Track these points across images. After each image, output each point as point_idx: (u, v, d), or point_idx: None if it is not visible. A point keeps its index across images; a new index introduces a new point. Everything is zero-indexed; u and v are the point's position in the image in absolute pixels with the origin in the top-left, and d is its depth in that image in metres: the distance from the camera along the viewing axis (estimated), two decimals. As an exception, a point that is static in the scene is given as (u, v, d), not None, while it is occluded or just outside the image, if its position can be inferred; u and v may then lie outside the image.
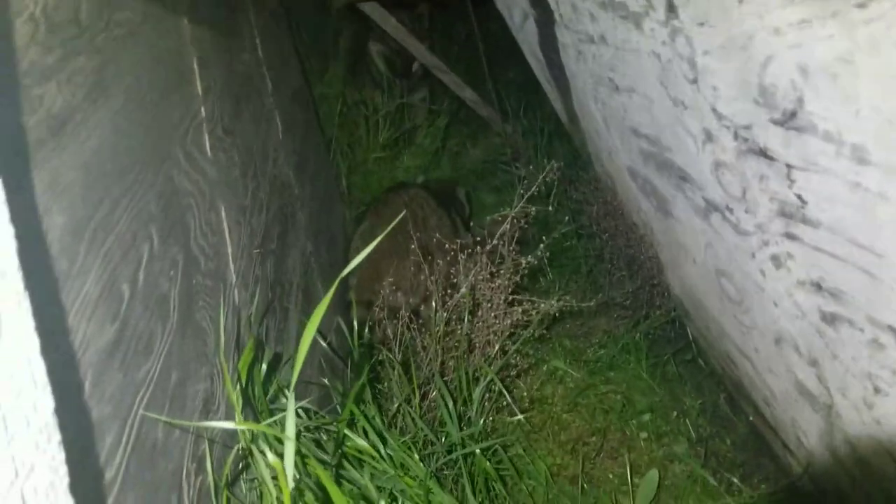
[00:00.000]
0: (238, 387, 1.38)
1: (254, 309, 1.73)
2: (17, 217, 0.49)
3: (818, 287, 1.57)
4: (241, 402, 1.36)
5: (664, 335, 3.08)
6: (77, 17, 1.12)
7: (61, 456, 0.52)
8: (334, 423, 1.75)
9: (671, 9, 1.72)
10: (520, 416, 2.36)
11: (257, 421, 1.55)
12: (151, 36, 1.42)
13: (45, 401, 0.52)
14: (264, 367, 1.64)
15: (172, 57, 1.53)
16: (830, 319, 1.57)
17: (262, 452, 1.24)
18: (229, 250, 1.60)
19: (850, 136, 1.27)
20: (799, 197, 1.50)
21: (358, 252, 3.00)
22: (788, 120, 1.43)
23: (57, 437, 0.52)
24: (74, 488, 0.53)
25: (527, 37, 3.29)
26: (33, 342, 0.51)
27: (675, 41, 1.77)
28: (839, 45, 1.21)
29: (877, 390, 1.51)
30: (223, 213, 1.60)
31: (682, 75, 1.82)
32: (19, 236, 0.49)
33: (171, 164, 1.37)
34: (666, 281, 2.99)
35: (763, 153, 1.57)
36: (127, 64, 1.27)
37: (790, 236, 1.61)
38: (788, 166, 1.50)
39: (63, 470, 0.52)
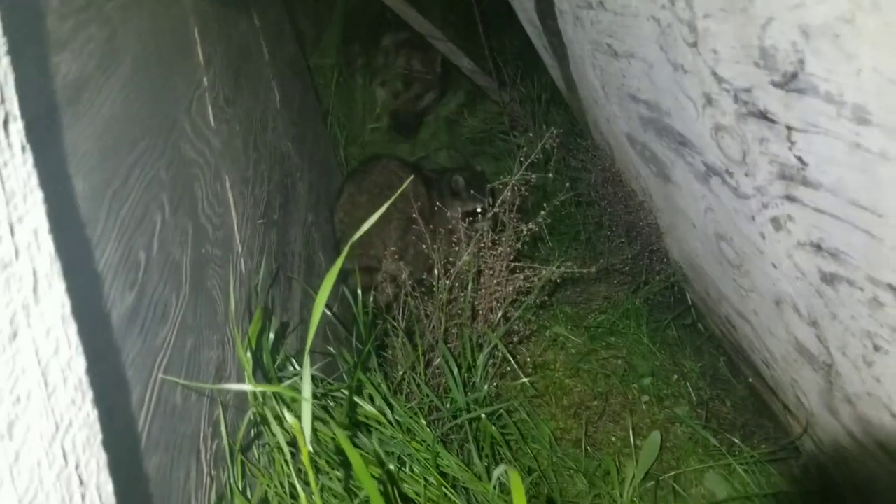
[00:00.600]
0: (249, 353, 1.40)
1: (260, 278, 1.75)
2: (45, 182, 0.50)
3: (818, 248, 1.59)
4: (251, 367, 1.38)
5: (664, 300, 3.11)
6: None
7: (95, 413, 0.54)
8: (342, 391, 1.78)
9: (671, -28, 1.72)
10: (525, 380, 2.40)
11: (267, 388, 1.57)
12: (154, 6, 1.42)
13: (79, 360, 0.53)
14: (272, 335, 1.66)
15: (174, 27, 1.53)
16: (830, 279, 1.59)
17: (278, 417, 1.26)
18: (234, 221, 1.61)
19: (850, 96, 1.28)
20: (799, 159, 1.51)
21: (343, 224, 3.05)
22: (789, 82, 1.43)
23: (90, 394, 0.54)
24: (107, 444, 0.55)
25: (523, 4, 3.27)
26: (66, 302, 0.52)
27: (675, 5, 1.77)
28: (840, 5, 1.22)
29: (876, 348, 1.54)
30: (228, 184, 1.61)
31: (681, 39, 1.82)
32: (48, 201, 0.50)
33: (178, 134, 1.38)
34: (665, 246, 3.01)
35: (763, 116, 1.58)
36: (133, 33, 1.28)
37: (790, 198, 1.62)
38: (789, 128, 1.50)
39: (97, 426, 0.54)
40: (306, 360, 0.90)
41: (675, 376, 2.74)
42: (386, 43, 4.51)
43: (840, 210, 1.45)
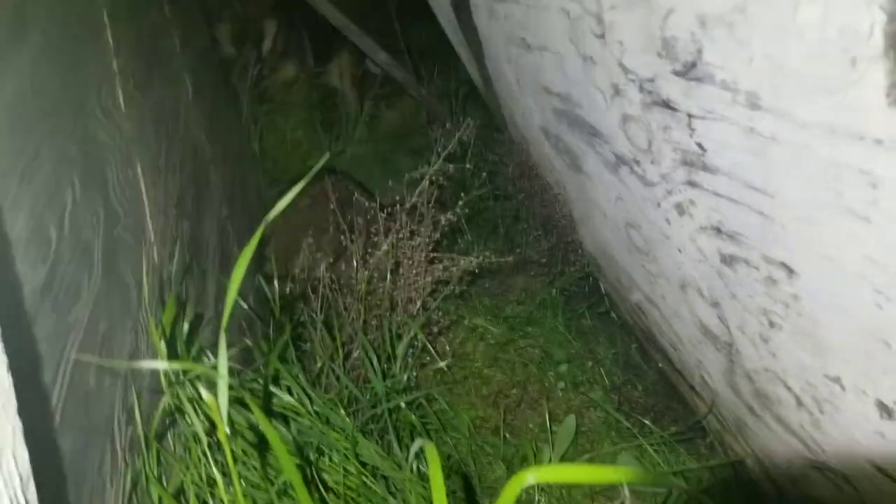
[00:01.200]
0: (162, 340, 1.37)
1: (174, 268, 1.71)
2: None
3: (718, 231, 1.67)
4: (166, 353, 1.35)
5: (579, 290, 3.19)
6: None
7: (9, 380, 0.53)
8: (258, 380, 1.76)
9: (578, -35, 1.77)
10: (442, 364, 2.42)
11: (182, 378, 1.54)
12: None
13: None
14: (186, 326, 1.63)
15: (84, 8, 1.49)
16: (729, 261, 1.67)
17: (193, 400, 1.24)
18: (147, 209, 1.58)
19: (744, 83, 1.35)
20: (699, 145, 1.58)
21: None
22: (689, 70, 1.50)
23: (4, 360, 0.52)
24: (21, 414, 0.54)
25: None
26: None
27: (583, -3, 1.83)
28: (733, -4, 1.29)
29: (771, 324, 1.63)
30: (139, 171, 1.57)
31: (590, 31, 1.88)
32: None
33: (88, 115, 1.34)
34: (579, 238, 3.09)
35: (666, 104, 1.65)
36: (42, 7, 1.24)
37: (692, 184, 1.70)
38: (689, 116, 1.58)
39: (12, 393, 0.53)
40: (222, 335, 0.89)
41: (590, 363, 2.82)
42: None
43: (736, 193, 1.53)
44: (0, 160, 0.94)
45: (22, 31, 1.12)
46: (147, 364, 1.27)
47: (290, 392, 1.88)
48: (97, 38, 1.54)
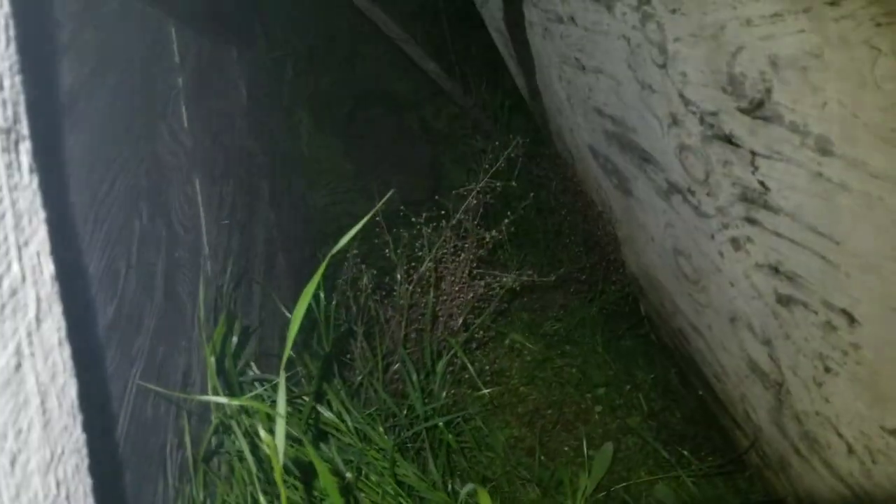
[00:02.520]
0: (214, 359, 1.38)
1: (226, 280, 1.72)
2: (46, 201, 0.48)
3: (775, 270, 1.64)
4: (216, 370, 1.36)
5: (619, 310, 3.16)
6: None
7: (83, 438, 0.53)
8: (303, 397, 1.77)
9: (644, -7, 1.75)
10: (484, 391, 2.41)
11: (230, 394, 1.55)
12: (141, 7, 1.39)
13: (72, 384, 0.52)
14: (235, 339, 1.64)
15: (154, 26, 1.49)
16: (786, 301, 1.64)
17: (249, 431, 1.25)
18: (203, 223, 1.59)
19: (815, 127, 1.33)
20: (762, 183, 1.56)
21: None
22: (755, 109, 1.48)
23: (80, 418, 0.53)
24: (91, 469, 0.54)
25: (491, 11, 3.28)
26: (62, 325, 0.51)
27: (645, 26, 1.80)
28: (810, 40, 1.26)
29: (827, 369, 1.59)
30: (198, 185, 1.59)
31: (651, 60, 1.86)
32: (48, 220, 0.49)
33: (157, 137, 1.35)
34: (622, 257, 3.06)
35: (728, 140, 1.62)
36: (122, 36, 1.24)
37: (750, 220, 1.67)
38: (753, 153, 1.55)
39: (85, 451, 0.53)
40: (282, 377, 0.89)
41: (628, 387, 2.78)
42: None
43: (798, 235, 1.50)
44: (79, 203, 0.95)
45: (105, 65, 1.12)
46: (208, 399, 1.28)
47: (330, 406, 1.89)
48: (166, 55, 1.55)
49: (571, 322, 3.09)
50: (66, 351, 0.52)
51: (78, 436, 0.52)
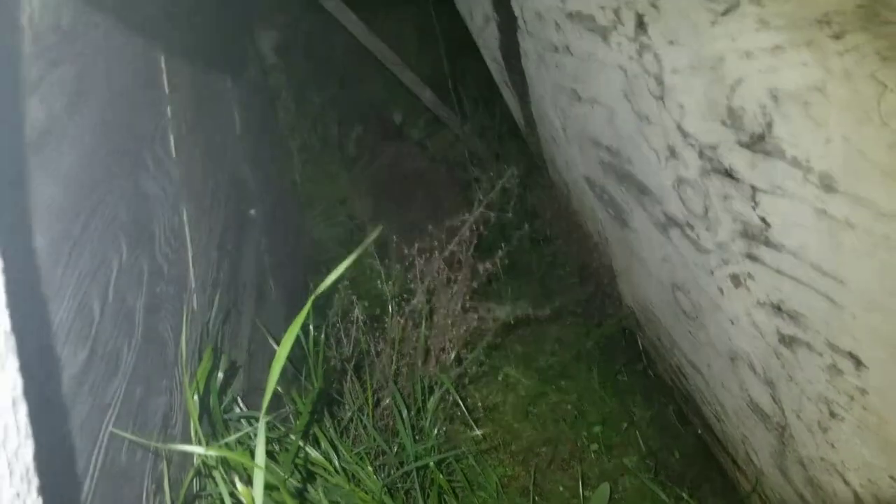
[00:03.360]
0: (196, 398, 1.31)
1: (212, 314, 1.66)
2: (4, 248, 0.43)
3: (778, 309, 1.58)
4: (198, 413, 1.30)
5: (615, 344, 3.10)
6: (59, 22, 1.02)
7: (40, 502, 0.48)
8: (290, 436, 1.70)
9: (640, 25, 1.71)
10: (478, 433, 2.34)
11: (214, 433, 1.48)
12: (125, 35, 1.34)
13: (28, 445, 0.47)
14: (220, 375, 1.57)
15: (141, 55, 1.44)
16: (789, 342, 1.58)
17: (226, 479, 1.18)
18: (190, 255, 1.53)
19: (818, 163, 1.27)
20: (763, 219, 1.50)
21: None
22: (756, 143, 1.43)
23: (36, 482, 0.47)
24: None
25: (487, 40, 3.26)
26: (18, 383, 0.45)
27: (642, 57, 1.76)
28: (812, 74, 1.21)
29: (832, 414, 1.53)
30: (185, 216, 1.53)
31: (647, 91, 1.81)
32: (6, 269, 0.43)
33: (141, 169, 1.29)
34: (618, 289, 3.00)
35: (728, 174, 1.57)
36: (103, 67, 1.19)
37: (752, 257, 1.61)
38: (753, 188, 1.50)
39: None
40: (262, 424, 0.83)
41: (625, 424, 2.71)
42: None
43: (802, 273, 1.44)
44: (47, 245, 0.88)
45: (81, 99, 1.07)
46: (185, 448, 1.21)
47: (318, 444, 1.82)
48: (153, 84, 1.50)
49: (567, 356, 3.02)
50: (22, 410, 0.46)
51: (33, 502, 0.46)
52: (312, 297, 0.91)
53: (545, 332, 3.22)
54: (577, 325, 3.17)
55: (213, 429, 1.51)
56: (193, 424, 1.30)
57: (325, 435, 1.83)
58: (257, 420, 1.73)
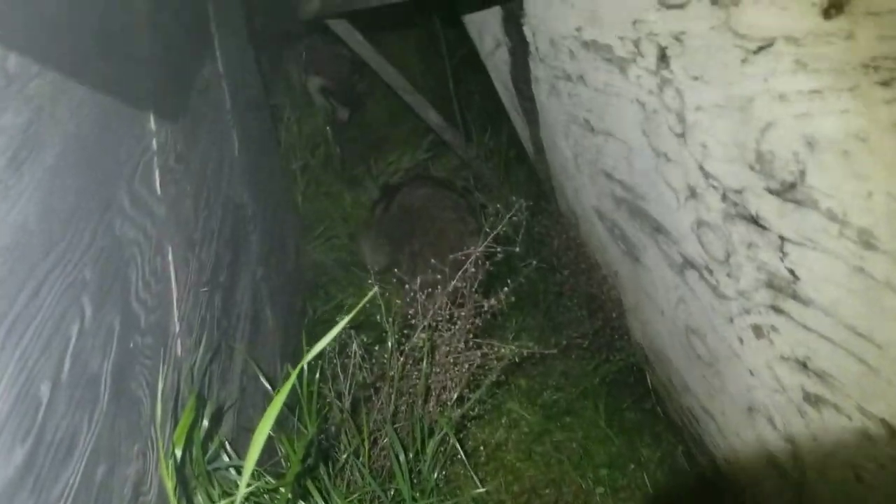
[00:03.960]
0: (172, 462, 1.21)
1: (198, 356, 1.55)
2: None
3: (803, 366, 1.48)
4: (174, 481, 1.19)
5: (623, 381, 2.99)
6: (3, 65, 0.91)
7: None
8: (279, 489, 1.59)
9: (662, 58, 1.62)
10: (481, 490, 2.22)
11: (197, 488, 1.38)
12: (100, 66, 1.23)
13: None
14: (205, 423, 1.47)
15: (123, 86, 1.33)
16: (814, 401, 1.48)
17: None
18: (174, 295, 1.42)
19: (856, 218, 1.18)
20: (791, 272, 1.41)
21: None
22: (787, 191, 1.34)
23: None
24: None
25: (497, 64, 3.18)
26: None
27: (663, 92, 1.68)
28: (854, 122, 1.12)
29: (859, 479, 1.43)
30: (170, 255, 1.42)
31: (667, 127, 1.72)
32: None
33: (114, 213, 1.18)
34: (627, 325, 2.90)
35: (754, 220, 1.48)
36: (66, 107, 1.07)
37: (776, 309, 1.51)
38: (782, 238, 1.40)
39: None
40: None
41: (632, 465, 2.60)
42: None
43: (833, 332, 1.35)
44: None
45: (32, 150, 0.95)
46: None
47: (309, 495, 1.71)
48: (137, 116, 1.39)
49: (573, 392, 2.91)
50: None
51: None
52: (298, 369, 0.82)
53: (551, 366, 3.11)
54: (584, 360, 3.06)
55: (198, 482, 1.41)
56: (171, 483, 1.20)
57: (317, 486, 1.73)
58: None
